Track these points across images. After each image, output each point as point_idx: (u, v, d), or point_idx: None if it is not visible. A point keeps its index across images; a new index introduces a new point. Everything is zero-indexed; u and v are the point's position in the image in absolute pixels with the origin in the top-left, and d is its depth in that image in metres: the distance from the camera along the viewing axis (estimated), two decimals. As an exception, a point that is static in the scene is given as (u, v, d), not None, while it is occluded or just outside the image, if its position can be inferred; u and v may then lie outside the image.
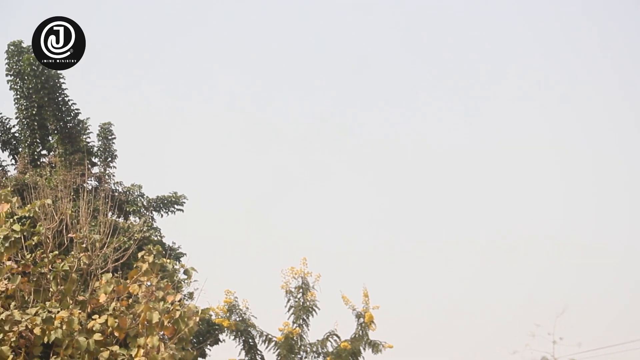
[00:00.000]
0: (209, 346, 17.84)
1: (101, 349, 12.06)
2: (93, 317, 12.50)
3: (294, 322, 15.49)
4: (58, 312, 11.81)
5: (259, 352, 15.33)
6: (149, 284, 13.23)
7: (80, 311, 12.33)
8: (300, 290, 15.84)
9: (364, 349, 15.22)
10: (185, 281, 15.41)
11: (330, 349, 15.38)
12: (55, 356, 12.16)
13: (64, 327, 11.60)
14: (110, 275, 12.96)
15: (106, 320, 12.25)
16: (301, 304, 15.66)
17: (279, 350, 15.20)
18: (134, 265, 13.51)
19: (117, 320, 12.28)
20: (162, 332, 12.51)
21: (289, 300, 15.77)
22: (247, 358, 15.18)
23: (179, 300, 13.00)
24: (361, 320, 15.40)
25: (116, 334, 12.38)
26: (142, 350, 11.94)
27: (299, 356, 15.34)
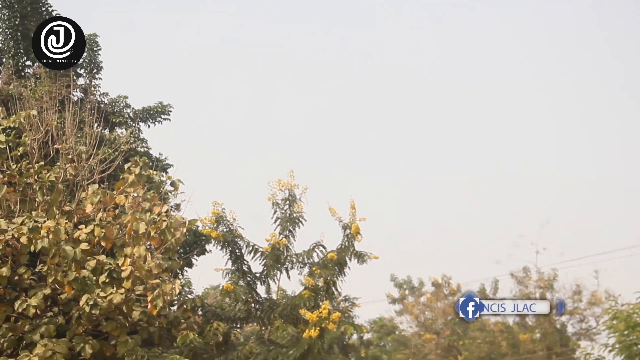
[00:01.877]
0: (195, 256, 18.08)
1: (88, 257, 12.22)
2: (79, 227, 12.60)
3: (280, 233, 15.56)
4: (44, 221, 11.90)
5: (245, 262, 15.45)
6: (135, 195, 13.28)
7: (66, 221, 12.42)
8: (287, 202, 15.85)
9: (350, 259, 15.32)
10: (172, 193, 15.48)
11: (317, 260, 15.51)
12: (42, 264, 12.33)
13: (51, 236, 11.71)
14: (96, 186, 12.99)
15: (92, 230, 12.35)
16: (287, 215, 15.71)
17: (265, 261, 15.31)
18: (120, 177, 13.53)
19: (103, 230, 12.38)
20: (148, 243, 12.61)
21: (275, 212, 15.79)
22: (233, 268, 15.30)
23: (166, 212, 13.07)
24: (347, 231, 15.47)
25: (103, 243, 12.51)
26: (128, 260, 12.07)
27: (285, 266, 15.48)
